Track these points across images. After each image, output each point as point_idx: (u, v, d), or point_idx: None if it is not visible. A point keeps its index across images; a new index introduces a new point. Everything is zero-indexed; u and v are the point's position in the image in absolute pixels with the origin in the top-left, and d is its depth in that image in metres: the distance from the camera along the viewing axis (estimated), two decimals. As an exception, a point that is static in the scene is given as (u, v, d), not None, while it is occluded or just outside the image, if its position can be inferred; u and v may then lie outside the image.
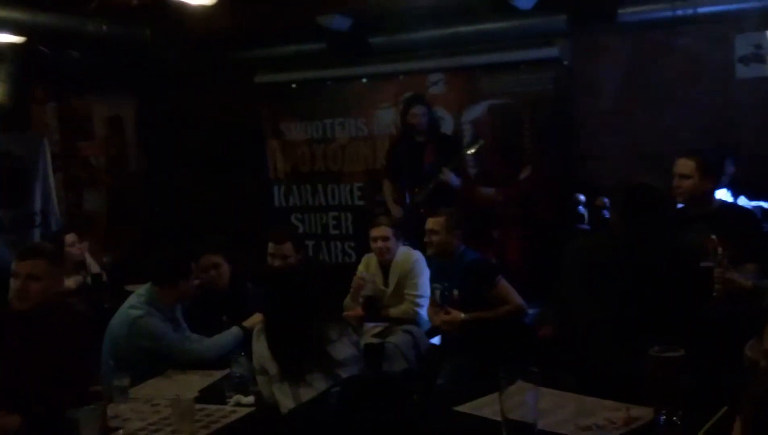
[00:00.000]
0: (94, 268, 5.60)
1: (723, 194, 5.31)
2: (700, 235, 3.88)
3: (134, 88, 7.48)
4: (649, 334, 2.99)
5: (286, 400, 2.93)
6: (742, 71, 6.19)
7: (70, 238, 5.70)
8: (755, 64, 6.14)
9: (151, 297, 4.02)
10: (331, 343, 3.02)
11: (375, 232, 4.73)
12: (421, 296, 4.65)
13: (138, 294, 4.09)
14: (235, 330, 4.07)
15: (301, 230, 7.42)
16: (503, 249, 6.73)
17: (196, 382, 3.66)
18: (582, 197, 5.63)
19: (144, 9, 5.28)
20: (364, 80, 7.13)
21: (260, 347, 3.11)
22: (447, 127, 6.76)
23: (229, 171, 7.58)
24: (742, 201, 5.29)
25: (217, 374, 3.73)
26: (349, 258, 7.24)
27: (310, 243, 7.39)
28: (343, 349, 3.05)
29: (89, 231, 6.24)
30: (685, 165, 4.03)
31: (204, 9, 5.07)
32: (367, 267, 4.87)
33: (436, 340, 4.54)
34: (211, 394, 3.40)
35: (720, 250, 3.76)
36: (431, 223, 4.38)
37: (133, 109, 7.58)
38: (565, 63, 6.48)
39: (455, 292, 4.33)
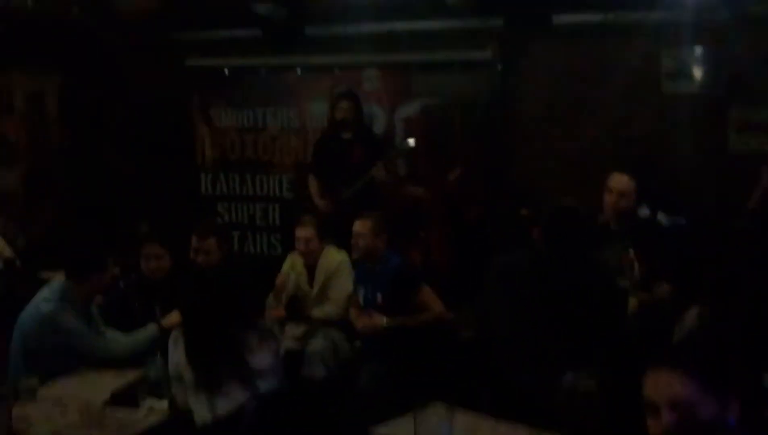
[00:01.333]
0: (6, 252, 5.38)
1: (642, 209, 5.45)
2: (618, 252, 3.99)
3: (60, 63, 7.21)
4: (566, 353, 3.08)
5: (201, 410, 2.90)
6: (668, 85, 6.35)
7: None
8: (681, 79, 6.31)
9: (64, 290, 3.92)
10: (250, 351, 2.99)
11: (299, 233, 4.70)
12: (345, 298, 4.64)
13: (51, 287, 3.98)
14: (151, 328, 4.01)
15: (227, 220, 7.31)
16: (429, 249, 6.76)
17: (109, 382, 3.59)
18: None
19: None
20: (299, 71, 7.04)
21: (177, 353, 3.06)
22: (379, 124, 6.75)
23: (155, 154, 7.39)
24: (661, 216, 5.43)
25: (131, 374, 3.67)
26: (275, 250, 7.16)
27: (236, 233, 7.26)
28: (262, 358, 3.02)
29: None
30: (626, 184, 4.13)
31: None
32: (293, 266, 4.83)
33: (358, 342, 4.55)
34: (124, 397, 3.34)
35: (636, 266, 3.88)
36: (358, 226, 4.37)
37: (57, 84, 7.30)
38: (498, 66, 6.53)
39: (378, 296, 4.34)
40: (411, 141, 6.01)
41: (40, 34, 6.17)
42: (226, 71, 7.18)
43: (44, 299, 3.90)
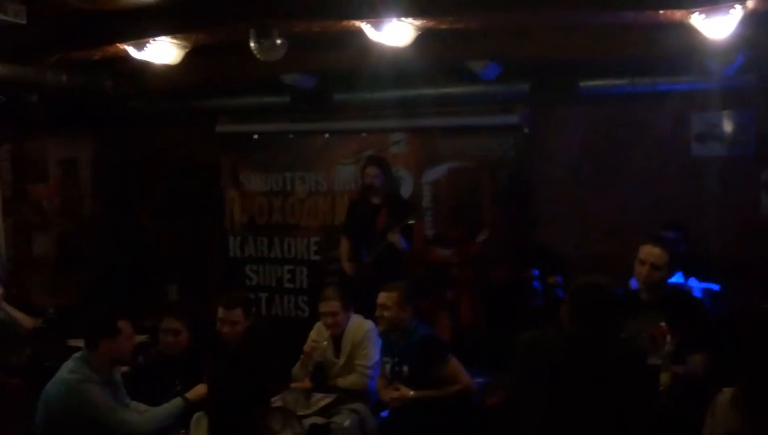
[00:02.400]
0: (27, 322, 5.36)
1: (676, 276, 5.37)
2: (648, 322, 3.92)
3: (92, 131, 7.38)
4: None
5: None
6: (698, 148, 6.32)
7: None
8: (711, 142, 6.28)
9: (87, 360, 3.91)
10: (274, 434, 2.96)
11: (323, 308, 4.68)
12: (371, 368, 4.60)
13: (75, 357, 3.98)
14: (177, 401, 3.98)
15: (255, 282, 7.34)
16: (456, 310, 6.73)
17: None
18: (536, 272, 5.67)
19: (105, 61, 5.22)
20: (326, 135, 7.12)
21: (199, 432, 3.04)
22: (407, 186, 6.78)
23: (185, 218, 7.50)
24: (693, 282, 5.35)
25: (156, 450, 3.63)
26: (303, 312, 7.18)
27: (263, 295, 7.30)
28: None
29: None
30: (660, 256, 4.06)
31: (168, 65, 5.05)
32: (319, 334, 4.81)
33: (384, 413, 4.49)
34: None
35: (669, 338, 3.80)
36: (383, 297, 4.36)
37: (89, 151, 7.46)
38: (525, 130, 6.55)
39: (405, 368, 4.30)
40: (417, 216, 5.98)
41: (73, 104, 6.32)
42: (255, 136, 7.28)
43: (70, 371, 3.88)
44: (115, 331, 3.94)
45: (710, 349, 3.95)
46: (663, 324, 3.85)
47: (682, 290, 4.86)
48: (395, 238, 5.70)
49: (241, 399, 2.94)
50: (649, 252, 4.06)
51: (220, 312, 4.52)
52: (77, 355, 3.98)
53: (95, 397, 3.81)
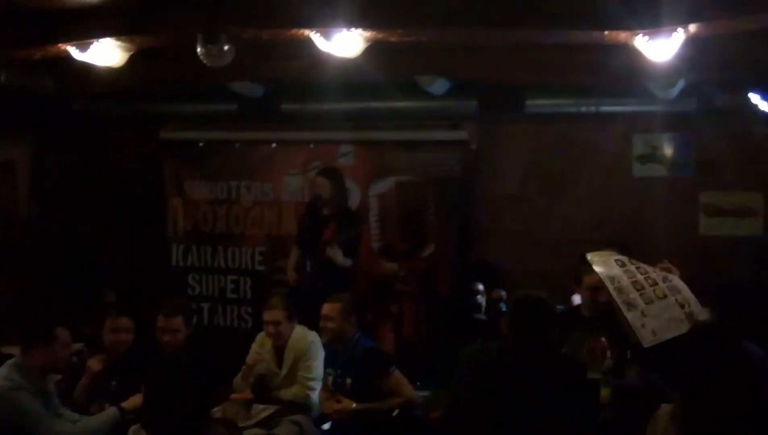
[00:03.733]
0: None
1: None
2: (589, 337, 3.96)
3: (31, 133, 7.18)
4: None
5: None
6: (639, 169, 6.46)
7: None
8: (651, 163, 6.43)
9: (20, 367, 3.81)
10: None
11: (267, 316, 4.62)
12: (313, 379, 4.56)
13: (8, 364, 3.87)
14: (112, 411, 3.90)
15: (197, 292, 7.21)
16: (400, 324, 6.72)
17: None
18: (480, 286, 5.69)
19: (47, 61, 5.08)
20: (273, 145, 7.06)
21: None
22: (354, 199, 6.76)
23: (126, 225, 7.33)
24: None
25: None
26: (246, 323, 7.07)
27: (205, 305, 7.18)
28: None
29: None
30: (597, 281, 4.09)
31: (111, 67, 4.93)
32: (262, 346, 4.74)
33: (326, 425, 4.45)
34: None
35: (609, 353, 3.85)
36: (327, 308, 4.33)
37: (28, 154, 7.25)
38: (472, 146, 6.61)
39: (348, 380, 4.27)
40: (354, 230, 5.91)
41: (12, 104, 6.13)
42: (201, 144, 7.18)
43: (3, 378, 3.78)
44: (51, 338, 3.86)
45: (646, 363, 3.99)
46: (603, 339, 3.90)
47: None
48: (333, 252, 5.64)
49: (181, 409, 2.87)
50: (592, 279, 4.10)
51: (160, 320, 4.43)
52: (11, 362, 3.89)
53: (25, 404, 3.71)
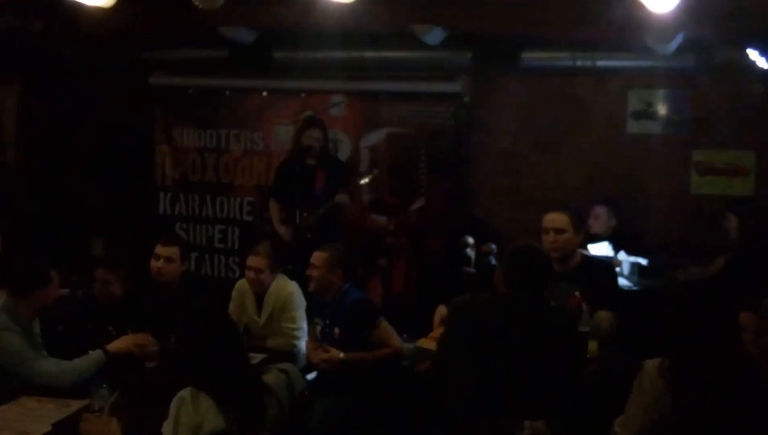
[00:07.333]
0: None
1: (604, 248, 5.45)
2: (562, 293, 3.93)
3: (20, 78, 7.04)
4: (525, 401, 3.02)
5: None
6: (633, 126, 6.41)
7: None
8: (645, 120, 6.38)
9: (9, 308, 3.79)
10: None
11: (250, 261, 4.58)
12: (298, 329, 4.54)
13: (-4, 305, 3.85)
14: (97, 354, 3.86)
15: (185, 241, 7.16)
16: (389, 279, 6.71)
17: (51, 412, 3.43)
18: (470, 240, 5.67)
19: (36, 2, 4.95)
20: (265, 93, 6.96)
21: (198, 406, 2.77)
22: (344, 150, 6.69)
23: (115, 172, 7.25)
24: (621, 256, 5.44)
25: (75, 404, 3.51)
26: (233, 273, 7.04)
27: (193, 255, 7.12)
28: None
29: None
30: (560, 219, 4.07)
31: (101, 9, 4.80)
32: (242, 292, 4.72)
33: (311, 375, 4.45)
34: (66, 429, 3.19)
35: (584, 306, 3.83)
36: (314, 257, 4.31)
37: (15, 99, 7.12)
38: (466, 99, 6.53)
39: (336, 330, 4.26)
40: (373, 173, 5.94)
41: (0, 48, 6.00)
42: (190, 91, 7.07)
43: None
44: (47, 279, 3.87)
45: (617, 309, 3.95)
46: (577, 293, 3.87)
47: (592, 256, 4.93)
48: (344, 198, 5.61)
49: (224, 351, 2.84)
50: (549, 219, 4.08)
51: (158, 248, 4.47)
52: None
53: (14, 345, 3.69)
